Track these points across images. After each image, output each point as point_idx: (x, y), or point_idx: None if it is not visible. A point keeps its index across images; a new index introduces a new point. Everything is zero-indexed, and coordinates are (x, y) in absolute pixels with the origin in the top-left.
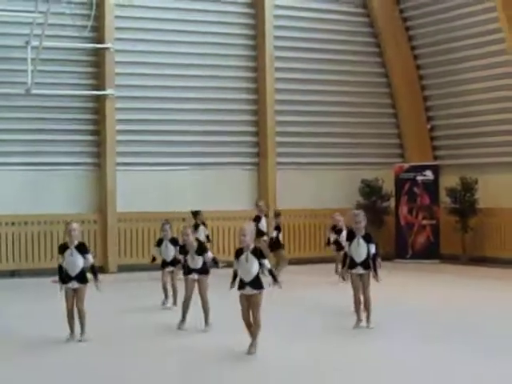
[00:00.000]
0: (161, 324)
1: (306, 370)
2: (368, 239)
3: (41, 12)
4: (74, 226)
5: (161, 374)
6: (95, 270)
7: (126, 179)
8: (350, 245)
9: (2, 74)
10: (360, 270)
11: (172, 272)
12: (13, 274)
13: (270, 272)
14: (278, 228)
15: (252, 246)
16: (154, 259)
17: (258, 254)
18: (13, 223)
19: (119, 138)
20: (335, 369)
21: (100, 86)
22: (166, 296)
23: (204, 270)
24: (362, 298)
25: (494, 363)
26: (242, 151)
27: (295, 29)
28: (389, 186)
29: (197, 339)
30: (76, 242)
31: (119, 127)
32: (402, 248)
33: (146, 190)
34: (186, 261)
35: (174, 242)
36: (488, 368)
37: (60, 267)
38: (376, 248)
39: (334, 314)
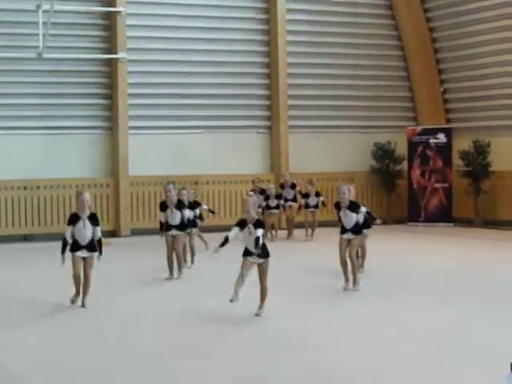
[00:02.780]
0: (167, 287)
1: (308, 332)
2: (353, 209)
3: None
4: (86, 196)
5: (162, 335)
6: (100, 243)
7: (139, 143)
8: (338, 213)
9: (14, 38)
10: (350, 236)
11: (189, 233)
12: (26, 238)
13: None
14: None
15: (255, 218)
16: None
17: (258, 225)
18: (25, 187)
19: (131, 101)
20: (339, 332)
21: (112, 50)
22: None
23: (181, 227)
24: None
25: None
26: (255, 114)
27: None
28: (401, 149)
29: (199, 302)
30: (88, 213)
31: (131, 91)
32: (414, 211)
33: (159, 153)
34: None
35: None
36: (502, 327)
37: (64, 239)
38: (367, 213)
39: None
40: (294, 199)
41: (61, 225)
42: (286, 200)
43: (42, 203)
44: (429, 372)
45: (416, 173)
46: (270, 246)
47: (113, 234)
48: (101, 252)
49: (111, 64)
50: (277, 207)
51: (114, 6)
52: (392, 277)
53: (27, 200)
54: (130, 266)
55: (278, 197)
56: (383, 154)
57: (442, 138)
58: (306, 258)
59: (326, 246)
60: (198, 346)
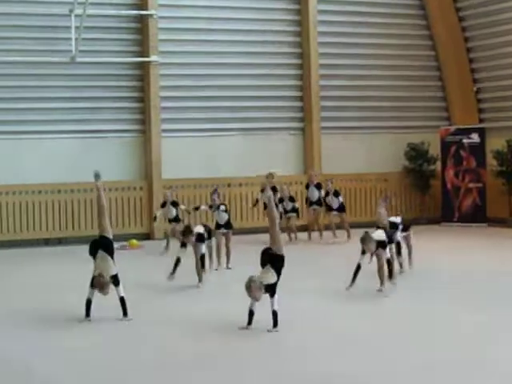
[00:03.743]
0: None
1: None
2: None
3: None
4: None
5: (200, 338)
6: (124, 303)
7: (171, 146)
8: None
9: (47, 43)
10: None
11: (226, 234)
12: (60, 241)
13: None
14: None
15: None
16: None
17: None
18: (59, 191)
19: (164, 104)
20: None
21: (144, 53)
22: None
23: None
24: None
25: None
26: (288, 116)
27: None
28: (435, 150)
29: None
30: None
31: (163, 94)
32: (448, 211)
33: (191, 156)
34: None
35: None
36: None
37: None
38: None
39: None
40: (319, 202)
41: (94, 228)
42: (311, 203)
43: (75, 206)
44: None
45: (449, 173)
46: (294, 249)
47: (146, 236)
48: (125, 313)
49: (143, 67)
50: (293, 210)
51: (146, 9)
52: (427, 277)
53: (61, 203)
54: (163, 268)
55: (292, 199)
56: (416, 154)
57: (475, 137)
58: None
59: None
60: (234, 347)
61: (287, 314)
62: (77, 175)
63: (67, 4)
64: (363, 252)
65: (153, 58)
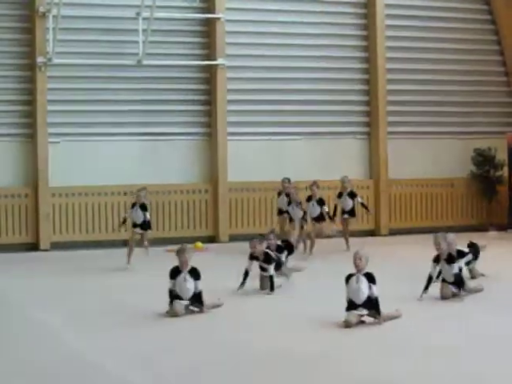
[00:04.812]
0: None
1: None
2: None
3: None
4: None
5: (276, 336)
6: (201, 297)
7: (237, 149)
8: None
9: (114, 46)
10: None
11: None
12: (126, 243)
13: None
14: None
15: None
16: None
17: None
18: (125, 193)
19: (230, 107)
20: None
21: (211, 56)
22: None
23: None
24: None
25: None
26: (354, 120)
27: None
28: (502, 155)
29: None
30: (189, 267)
31: (230, 97)
32: None
33: (257, 159)
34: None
35: None
36: None
37: (170, 291)
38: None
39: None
40: (352, 212)
41: (160, 230)
42: (344, 212)
43: None
44: None
45: None
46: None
47: (211, 239)
48: (202, 305)
49: (210, 70)
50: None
51: (214, 12)
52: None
53: (127, 205)
54: (231, 271)
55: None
56: (483, 159)
57: None
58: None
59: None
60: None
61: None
62: (143, 177)
63: (134, 7)
64: (436, 260)
65: (220, 61)
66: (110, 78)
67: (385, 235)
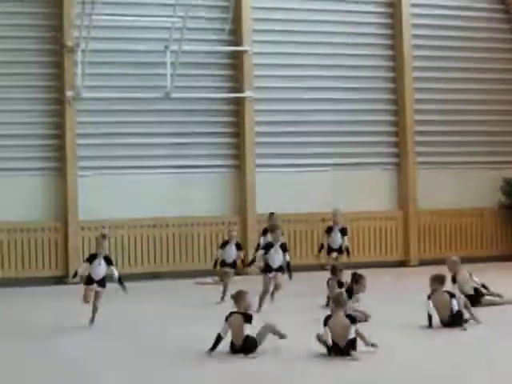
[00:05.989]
0: None
1: None
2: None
3: (179, 16)
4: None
5: None
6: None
7: (266, 180)
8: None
9: (143, 79)
10: None
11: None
12: (154, 275)
13: None
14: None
15: None
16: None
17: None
18: (154, 225)
19: (258, 139)
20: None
21: (238, 89)
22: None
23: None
24: None
25: None
26: (382, 151)
27: (433, 27)
28: None
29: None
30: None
31: (258, 129)
32: None
33: (285, 191)
34: None
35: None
36: None
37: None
38: None
39: None
40: (340, 250)
41: (189, 262)
42: (331, 249)
43: (170, 241)
44: None
45: None
46: None
47: (237, 273)
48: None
49: (238, 103)
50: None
51: (241, 45)
52: None
53: (156, 238)
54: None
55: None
56: None
57: None
58: None
59: None
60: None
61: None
62: (172, 210)
63: (163, 41)
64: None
65: (247, 93)
66: (139, 111)
67: (414, 266)
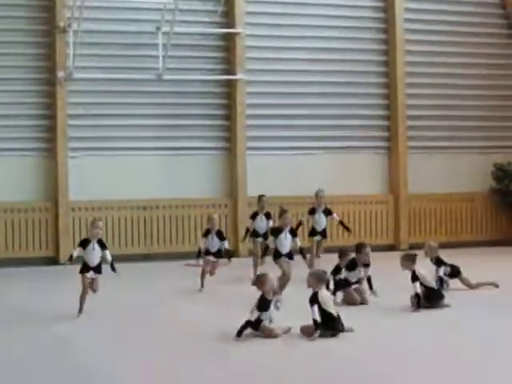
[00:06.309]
0: None
1: None
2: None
3: None
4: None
5: None
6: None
7: (256, 164)
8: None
9: (134, 60)
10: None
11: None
12: (145, 257)
13: None
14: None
15: None
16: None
17: None
18: (144, 207)
19: (249, 122)
20: None
21: (230, 71)
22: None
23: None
24: None
25: None
26: (373, 135)
27: (426, 11)
28: None
29: None
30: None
31: (249, 112)
32: None
33: (276, 174)
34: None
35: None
36: None
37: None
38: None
39: None
40: (324, 232)
41: (179, 244)
42: (314, 232)
43: (161, 223)
44: None
45: None
46: None
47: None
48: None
49: (230, 85)
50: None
51: (234, 27)
52: None
53: (146, 220)
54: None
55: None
56: (503, 174)
57: None
58: None
59: None
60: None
61: None
62: (162, 192)
63: (154, 22)
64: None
65: (239, 75)
66: (130, 92)
67: (404, 250)
